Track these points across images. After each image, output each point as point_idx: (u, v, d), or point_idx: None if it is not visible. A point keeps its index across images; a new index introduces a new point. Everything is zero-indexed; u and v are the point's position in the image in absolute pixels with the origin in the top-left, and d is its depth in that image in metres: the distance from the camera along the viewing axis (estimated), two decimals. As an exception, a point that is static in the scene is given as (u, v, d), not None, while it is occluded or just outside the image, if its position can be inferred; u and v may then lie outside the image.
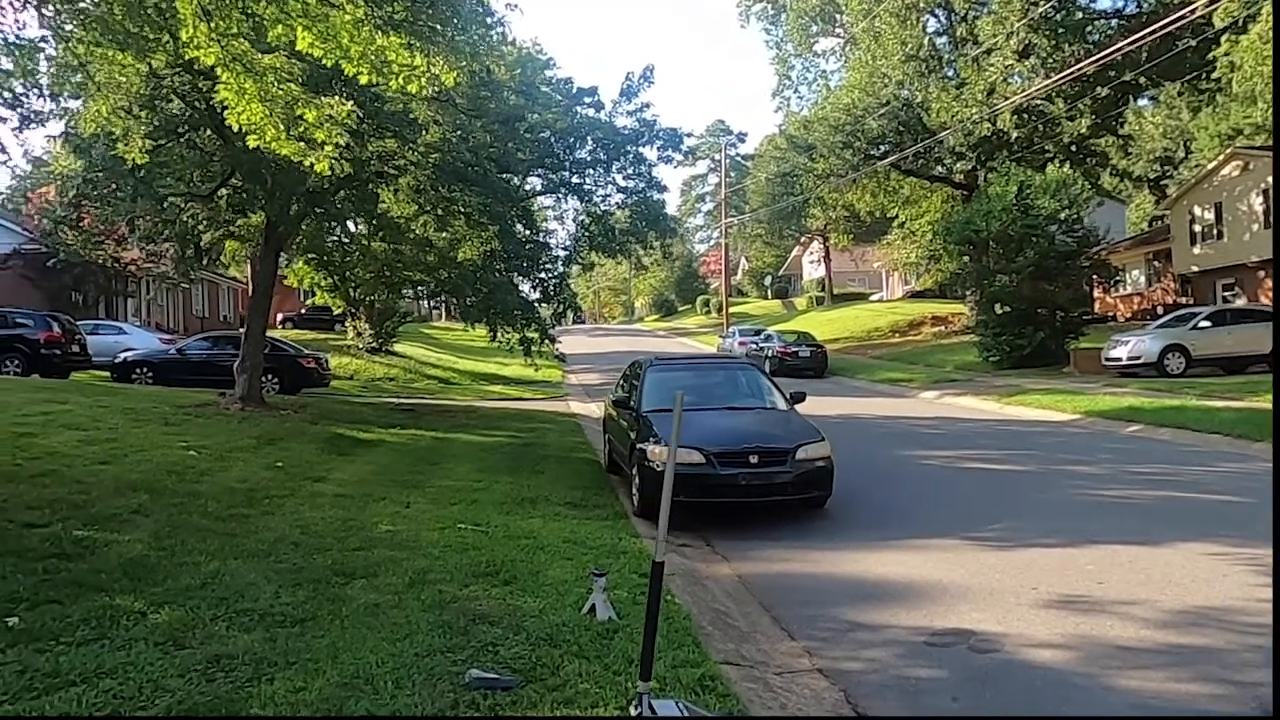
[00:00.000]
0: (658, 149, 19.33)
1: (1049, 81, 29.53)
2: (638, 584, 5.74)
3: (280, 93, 8.21)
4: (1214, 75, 27.56)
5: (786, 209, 50.57)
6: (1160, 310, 30.40)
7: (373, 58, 7.87)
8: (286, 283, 25.12)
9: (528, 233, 18.17)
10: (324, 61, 7.87)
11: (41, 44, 8.10)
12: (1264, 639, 4.92)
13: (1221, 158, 29.83)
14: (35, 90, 8.70)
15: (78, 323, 22.69)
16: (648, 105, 19.14)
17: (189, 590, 5.20)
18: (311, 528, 7.07)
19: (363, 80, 8.08)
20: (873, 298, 61.65)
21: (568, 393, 25.94)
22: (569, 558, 6.48)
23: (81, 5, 8.03)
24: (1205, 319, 22.45)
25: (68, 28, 7.99)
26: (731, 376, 10.98)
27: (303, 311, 42.24)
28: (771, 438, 8.80)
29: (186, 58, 8.44)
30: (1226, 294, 30.25)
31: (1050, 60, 31.71)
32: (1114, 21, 34.46)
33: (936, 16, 38.47)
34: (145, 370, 20.98)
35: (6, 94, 9.01)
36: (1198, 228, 31.50)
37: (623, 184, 19.21)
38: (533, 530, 7.41)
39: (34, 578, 5.16)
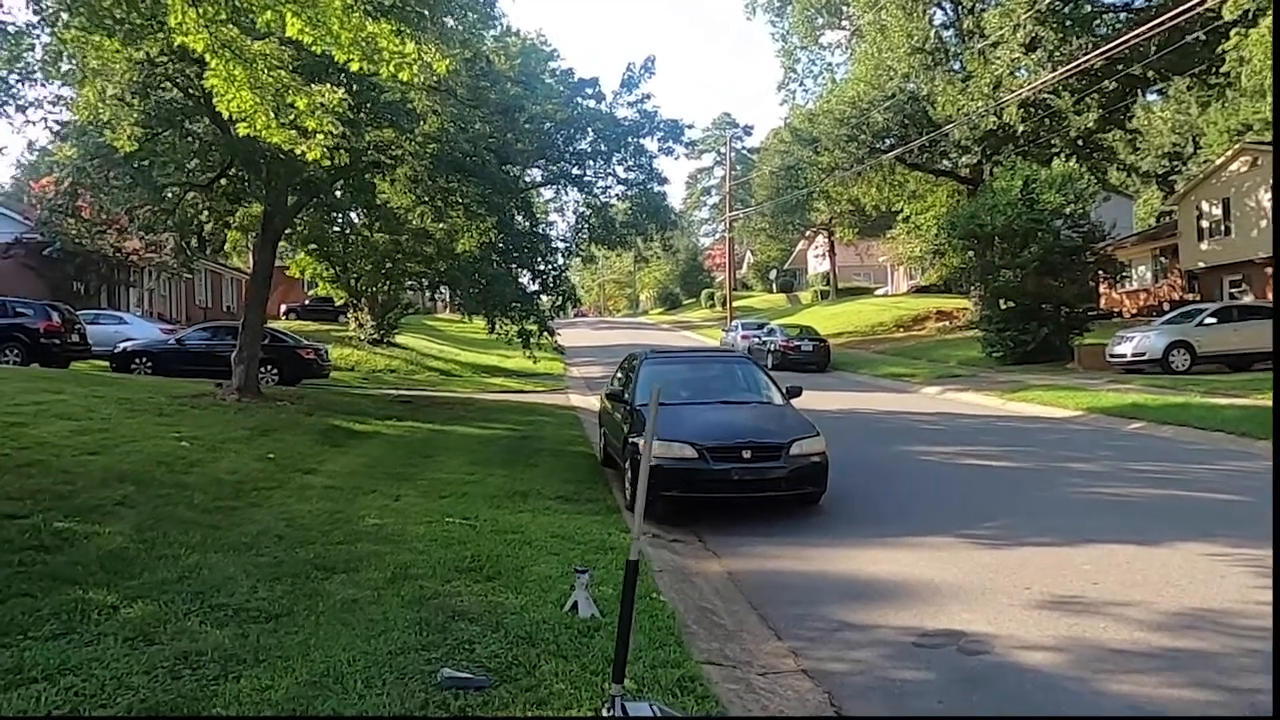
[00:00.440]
0: (658, 140, 19.18)
1: (1056, 74, 29.26)
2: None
3: (270, 80, 8.10)
4: (1223, 69, 27.31)
5: (791, 203, 50.31)
6: (1166, 306, 30.15)
7: (363, 44, 7.75)
8: (289, 273, 25.10)
9: (527, 224, 18.04)
10: (314, 48, 7.75)
11: (31, 30, 8.02)
12: (1262, 643, 4.81)
13: (1230, 153, 29.55)
14: (24, 77, 8.59)
15: (78, 312, 22.64)
16: (648, 96, 18.97)
17: (165, 584, 5.12)
18: (297, 520, 6.99)
19: (353, 68, 7.95)
20: (877, 292, 61.36)
21: (569, 385, 25.85)
22: (555, 553, 6.38)
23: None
24: (1211, 315, 22.24)
25: (56, 13, 7.91)
26: (727, 370, 10.87)
27: (306, 303, 42.19)
28: (765, 433, 8.69)
29: (176, 44, 8.35)
30: (1233, 290, 29.99)
31: (1057, 53, 31.40)
32: (1122, 15, 34.11)
33: (943, 9, 38.18)
34: (144, 360, 20.93)
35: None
36: (1205, 223, 31.24)
37: (623, 175, 19.07)
38: (521, 525, 7.32)
39: (8, 570, 5.08)
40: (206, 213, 17.95)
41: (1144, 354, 21.66)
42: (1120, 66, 30.75)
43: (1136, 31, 25.61)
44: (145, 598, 4.83)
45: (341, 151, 13.71)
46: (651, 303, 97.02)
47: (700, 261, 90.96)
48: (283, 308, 42.79)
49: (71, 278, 29.65)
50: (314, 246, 19.81)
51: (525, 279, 18.38)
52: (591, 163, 18.66)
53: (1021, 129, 32.82)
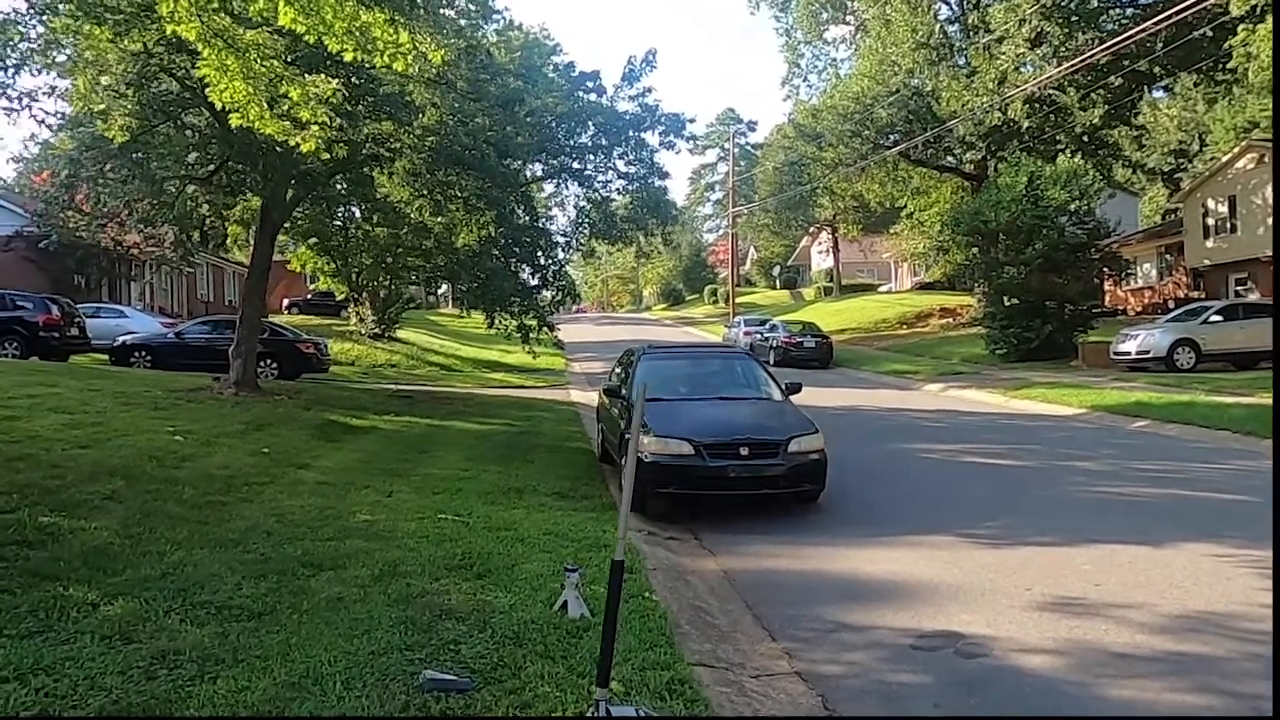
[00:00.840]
0: (660, 135, 19.02)
1: (1061, 70, 29.06)
2: (617, 579, 5.53)
3: (263, 70, 8.01)
4: (1230, 65, 27.08)
5: (795, 198, 50.11)
6: (1171, 304, 29.97)
7: (357, 34, 7.64)
8: (290, 267, 25.01)
9: (527, 219, 17.92)
10: (307, 37, 7.64)
11: (20, 16, 7.91)
12: (1266, 647, 4.69)
13: (1236, 150, 29.31)
14: (13, 67, 8.48)
15: (79, 306, 22.58)
16: (650, 90, 18.83)
17: (148, 581, 5.02)
18: (287, 516, 6.89)
19: (347, 57, 7.85)
20: (881, 289, 61.16)
21: (570, 381, 25.75)
22: (548, 550, 6.28)
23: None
24: (1216, 313, 22.07)
25: (46, 2, 7.81)
26: (726, 366, 10.76)
27: (309, 297, 42.10)
28: (763, 429, 8.57)
29: (169, 33, 8.24)
30: (1239, 288, 29.77)
31: (1063, 48, 31.19)
32: (1128, 10, 33.87)
33: (948, 3, 37.97)
34: (144, 354, 20.85)
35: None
36: (1211, 221, 31.02)
37: (624, 170, 18.94)
38: (515, 521, 7.22)
39: (-12, 566, 4.99)
40: (207, 206, 17.86)
41: (1149, 352, 21.50)
42: (1126, 62, 30.54)
43: (1143, 26, 25.43)
44: (126, 595, 4.74)
45: (339, 145, 13.67)
46: (655, 299, 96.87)
47: (704, 257, 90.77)
48: (285, 302, 42.73)
49: (73, 271, 29.57)
50: (315, 240, 19.71)
51: (525, 274, 18.26)
52: (592, 157, 18.55)
53: (1026, 125, 32.62)
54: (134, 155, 13.79)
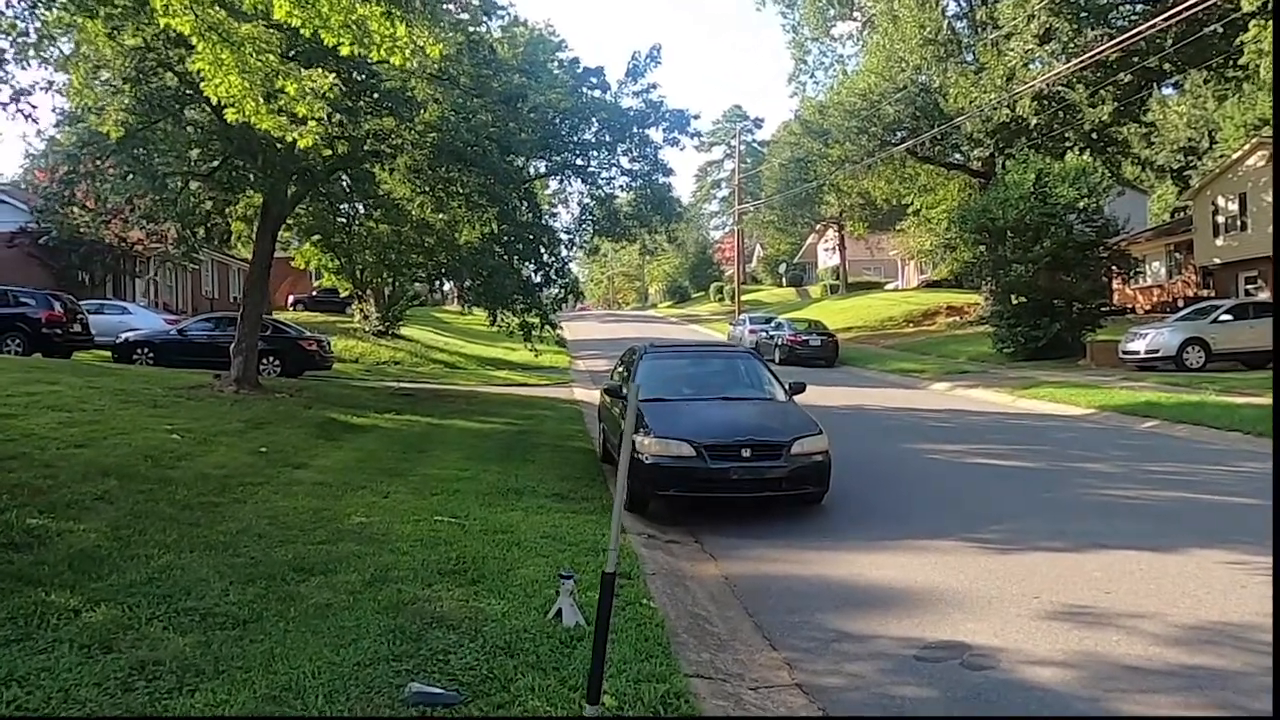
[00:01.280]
0: (664, 131, 18.87)
1: (1069, 66, 28.78)
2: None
3: (259, 64, 7.89)
4: (1241, 62, 26.77)
5: (801, 196, 49.86)
6: (1180, 303, 29.70)
7: (354, 27, 7.52)
8: (294, 264, 24.95)
9: (530, 216, 17.79)
10: (303, 30, 7.52)
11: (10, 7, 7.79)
12: (1283, 660, 4.54)
13: (1247, 148, 29.04)
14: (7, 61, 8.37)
15: (83, 302, 22.52)
16: (654, 86, 18.71)
17: (133, 586, 4.91)
18: (280, 518, 6.78)
19: (344, 51, 7.71)
20: (888, 287, 60.91)
21: (573, 379, 25.60)
22: (545, 555, 6.15)
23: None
24: (1226, 312, 21.84)
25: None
26: (729, 365, 10.61)
27: (313, 294, 42.06)
28: (766, 430, 8.42)
29: (165, 27, 8.12)
30: (1249, 287, 29.51)
31: (1072, 45, 30.88)
32: (1138, 5, 33.53)
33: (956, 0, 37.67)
34: (146, 351, 20.79)
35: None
36: (1221, 219, 30.74)
37: (628, 166, 18.80)
38: (512, 524, 7.09)
39: (-31, 570, 4.88)
40: (210, 203, 17.77)
41: (1158, 351, 21.29)
42: (1136, 59, 30.21)
43: (1152, 22, 25.17)
44: (110, 601, 4.62)
45: (340, 140, 13.55)
46: (660, 296, 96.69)
47: (710, 255, 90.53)
48: (290, 299, 42.68)
49: (77, 267, 29.51)
50: (318, 237, 19.63)
51: (529, 271, 18.14)
52: (596, 153, 18.41)
53: (1034, 122, 32.31)
54: (134, 151, 13.70)
